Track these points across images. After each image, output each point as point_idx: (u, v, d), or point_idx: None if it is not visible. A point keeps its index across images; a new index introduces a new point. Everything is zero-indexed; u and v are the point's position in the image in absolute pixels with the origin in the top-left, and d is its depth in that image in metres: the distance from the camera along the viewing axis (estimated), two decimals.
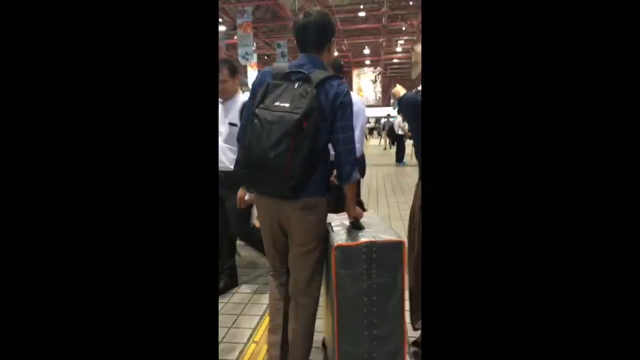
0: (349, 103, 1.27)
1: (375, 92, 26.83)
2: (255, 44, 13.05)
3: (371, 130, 21.01)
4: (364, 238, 1.30)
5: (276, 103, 1.18)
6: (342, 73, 2.65)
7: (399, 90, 1.99)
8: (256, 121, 1.18)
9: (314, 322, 1.43)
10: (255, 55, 12.33)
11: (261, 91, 1.22)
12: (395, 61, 24.93)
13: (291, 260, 1.38)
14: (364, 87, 26.75)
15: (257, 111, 1.19)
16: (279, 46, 15.21)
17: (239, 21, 11.77)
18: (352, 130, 1.28)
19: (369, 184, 6.17)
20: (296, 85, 1.20)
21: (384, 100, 25.51)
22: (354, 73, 26.30)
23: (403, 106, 1.84)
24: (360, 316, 1.30)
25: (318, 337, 1.59)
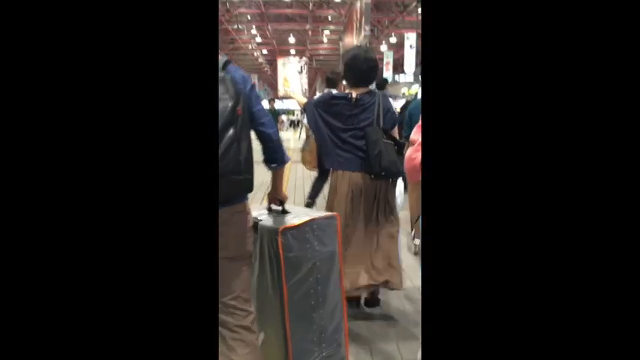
0: (254, 86, 1.27)
1: (302, 83, 27.13)
2: None
3: (293, 123, 21.01)
4: (299, 219, 1.30)
5: None
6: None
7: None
8: None
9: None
10: None
11: None
12: (321, 52, 25.42)
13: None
14: (290, 77, 26.87)
15: None
16: None
17: None
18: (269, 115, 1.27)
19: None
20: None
21: (310, 93, 25.95)
22: (280, 62, 26.27)
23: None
24: (308, 299, 1.29)
25: None
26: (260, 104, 1.22)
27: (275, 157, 1.24)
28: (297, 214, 1.35)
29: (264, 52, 25.45)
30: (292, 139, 12.79)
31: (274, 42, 21.70)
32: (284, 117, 19.66)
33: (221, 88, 1.04)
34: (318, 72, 28.58)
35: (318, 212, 1.45)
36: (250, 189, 1.12)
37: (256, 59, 27.63)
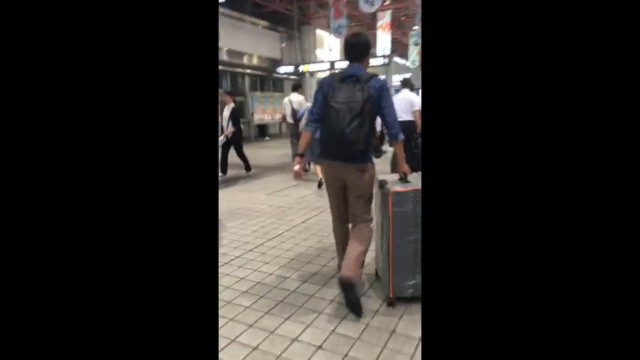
0: (388, 91, 2.15)
1: None
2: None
3: None
4: (412, 187, 2.13)
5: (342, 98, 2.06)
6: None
7: None
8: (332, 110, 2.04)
9: (368, 242, 2.27)
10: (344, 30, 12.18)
11: (330, 91, 2.09)
12: None
13: (351, 205, 2.29)
14: None
15: (332, 103, 2.06)
16: (412, 36, 15.42)
17: None
18: (394, 108, 2.15)
19: None
20: (352, 85, 2.07)
21: None
22: None
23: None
24: (407, 242, 2.14)
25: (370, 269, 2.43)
26: (387, 101, 2.14)
27: (390, 136, 2.19)
28: (414, 184, 2.18)
29: None
30: None
31: None
32: None
33: (358, 92, 2.06)
34: None
35: None
36: (365, 154, 2.12)
37: None
